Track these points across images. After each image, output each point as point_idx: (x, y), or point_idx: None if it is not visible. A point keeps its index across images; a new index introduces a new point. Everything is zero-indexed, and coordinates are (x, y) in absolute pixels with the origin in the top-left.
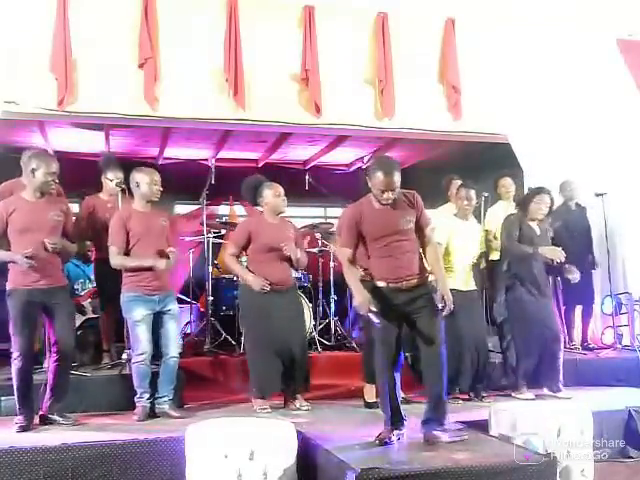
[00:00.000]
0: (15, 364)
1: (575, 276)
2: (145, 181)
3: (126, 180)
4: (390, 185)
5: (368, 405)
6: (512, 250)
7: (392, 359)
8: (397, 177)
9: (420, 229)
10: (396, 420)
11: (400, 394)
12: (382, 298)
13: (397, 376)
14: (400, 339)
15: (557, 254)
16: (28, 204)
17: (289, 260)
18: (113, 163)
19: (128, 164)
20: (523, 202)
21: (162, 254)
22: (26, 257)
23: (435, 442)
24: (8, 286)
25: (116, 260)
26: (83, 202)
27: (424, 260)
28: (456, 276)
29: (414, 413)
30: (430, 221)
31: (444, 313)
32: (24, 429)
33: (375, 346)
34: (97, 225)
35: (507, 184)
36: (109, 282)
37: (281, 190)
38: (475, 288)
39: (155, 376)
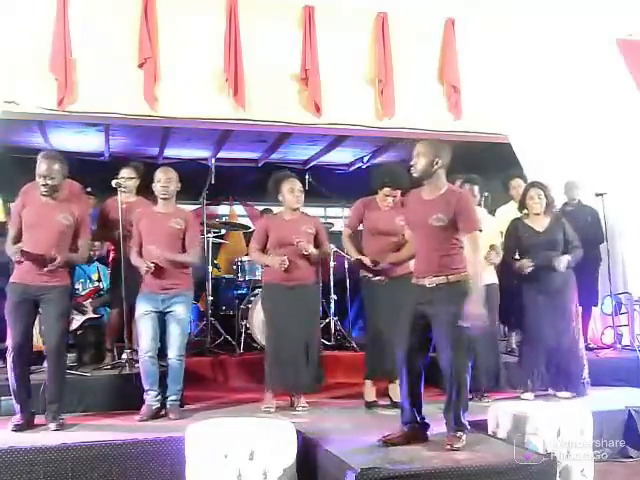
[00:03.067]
0: (8, 359)
1: (561, 265)
2: (155, 180)
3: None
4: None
5: (368, 405)
6: (509, 262)
7: (406, 357)
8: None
9: (459, 232)
10: (406, 420)
11: (420, 395)
12: (403, 292)
13: (415, 376)
14: (417, 337)
15: (523, 269)
16: (39, 202)
17: (307, 256)
18: (123, 165)
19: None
20: (521, 201)
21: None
22: (21, 252)
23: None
24: (11, 279)
25: (131, 257)
26: (101, 206)
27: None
28: None
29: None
30: (473, 229)
31: (464, 324)
32: (20, 428)
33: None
34: (115, 227)
35: (517, 185)
36: (122, 282)
37: (296, 186)
38: (491, 282)
39: (164, 375)
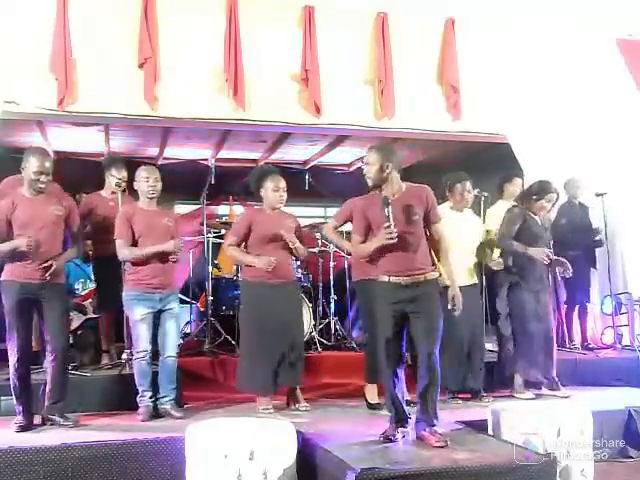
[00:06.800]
0: (11, 360)
1: (567, 271)
2: (141, 178)
3: (129, 179)
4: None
5: (371, 406)
6: (504, 246)
7: (393, 356)
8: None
9: (428, 225)
10: (400, 418)
11: (404, 393)
12: (383, 293)
13: (400, 373)
14: (401, 336)
15: (543, 255)
16: (28, 200)
17: (289, 252)
18: (118, 161)
19: (128, 164)
20: (529, 197)
21: (165, 253)
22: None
23: (425, 442)
24: (3, 277)
25: (124, 251)
26: (84, 199)
27: (434, 258)
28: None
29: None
30: (440, 218)
31: (455, 313)
32: (23, 429)
33: (376, 345)
34: (98, 223)
35: (516, 184)
36: (108, 281)
37: (281, 185)
38: (475, 282)
39: (156, 375)
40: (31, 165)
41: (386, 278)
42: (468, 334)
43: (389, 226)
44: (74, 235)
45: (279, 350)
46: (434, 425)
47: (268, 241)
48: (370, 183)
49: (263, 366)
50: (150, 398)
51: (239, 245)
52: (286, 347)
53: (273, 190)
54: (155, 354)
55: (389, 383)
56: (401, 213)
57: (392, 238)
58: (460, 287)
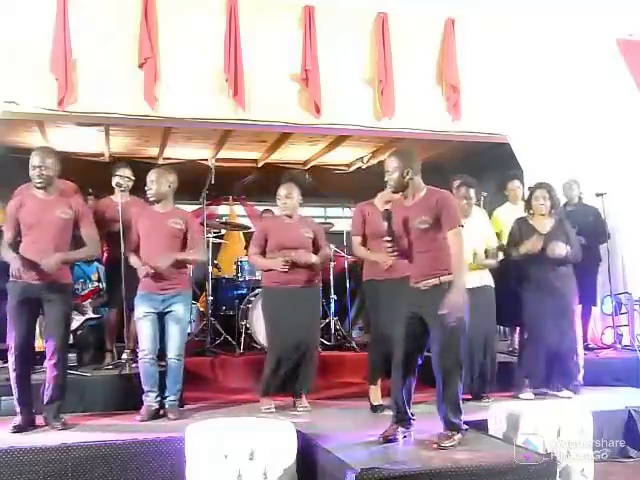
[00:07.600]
0: (9, 358)
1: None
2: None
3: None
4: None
5: (374, 408)
6: (514, 253)
7: (404, 357)
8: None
9: (443, 230)
10: (401, 418)
11: (411, 395)
12: (404, 295)
13: (410, 380)
14: (417, 342)
15: (532, 247)
16: (36, 200)
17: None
18: (122, 162)
19: (133, 164)
20: (527, 201)
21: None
22: (21, 259)
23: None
24: (10, 278)
25: (130, 260)
26: (92, 204)
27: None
28: None
29: (415, 413)
30: (454, 225)
31: (449, 321)
32: (19, 429)
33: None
34: (109, 226)
35: (515, 187)
36: (117, 283)
37: (282, 192)
38: (484, 285)
39: (163, 375)
40: (32, 161)
41: (409, 281)
42: (479, 336)
43: (388, 241)
44: (85, 237)
45: (292, 355)
46: (447, 427)
47: (283, 249)
48: (391, 190)
49: (280, 373)
50: (156, 398)
51: (262, 254)
52: (299, 353)
53: (277, 198)
54: (160, 354)
55: (397, 382)
56: (411, 221)
57: (392, 253)
58: (470, 289)
